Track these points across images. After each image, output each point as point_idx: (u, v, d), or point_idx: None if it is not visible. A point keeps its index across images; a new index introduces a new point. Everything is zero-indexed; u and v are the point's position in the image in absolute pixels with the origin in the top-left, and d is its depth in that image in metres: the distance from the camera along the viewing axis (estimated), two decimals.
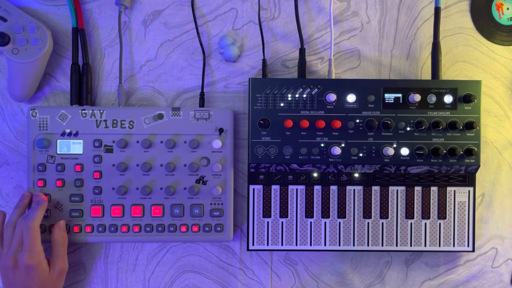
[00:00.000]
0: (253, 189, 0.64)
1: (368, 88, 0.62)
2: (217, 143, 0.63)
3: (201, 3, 0.66)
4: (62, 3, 0.66)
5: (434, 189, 0.64)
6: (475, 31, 0.68)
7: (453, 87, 0.62)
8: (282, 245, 0.64)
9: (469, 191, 0.64)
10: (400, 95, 0.62)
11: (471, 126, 0.61)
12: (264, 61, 0.65)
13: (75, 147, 0.63)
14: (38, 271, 0.57)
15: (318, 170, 0.63)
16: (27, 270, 0.57)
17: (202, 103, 0.65)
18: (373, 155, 0.61)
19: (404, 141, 0.62)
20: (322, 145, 0.61)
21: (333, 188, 0.64)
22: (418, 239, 0.64)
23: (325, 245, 0.64)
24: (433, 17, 0.65)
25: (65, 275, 0.61)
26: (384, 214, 0.64)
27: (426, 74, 0.67)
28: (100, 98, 0.66)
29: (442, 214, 0.64)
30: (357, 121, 0.61)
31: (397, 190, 0.64)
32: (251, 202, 0.64)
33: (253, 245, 0.64)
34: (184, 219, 0.63)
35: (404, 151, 0.61)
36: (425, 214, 0.64)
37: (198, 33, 0.66)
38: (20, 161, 0.66)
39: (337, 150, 0.60)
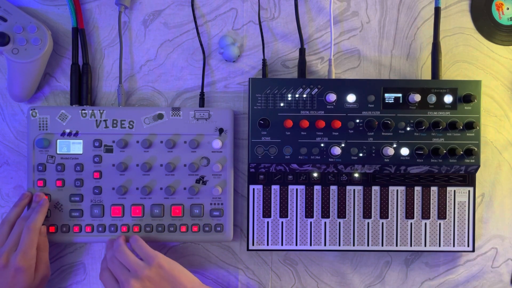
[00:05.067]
0: (253, 189, 0.64)
1: (368, 88, 0.62)
2: (217, 143, 0.63)
3: (201, 3, 0.66)
4: (62, 3, 0.66)
5: (434, 189, 0.64)
6: (475, 31, 0.68)
7: (453, 87, 0.62)
8: (282, 245, 0.64)
9: (469, 191, 0.64)
10: (400, 95, 0.62)
11: (471, 126, 0.61)
12: (264, 61, 0.65)
13: (75, 147, 0.63)
14: (26, 275, 0.56)
15: (318, 170, 0.63)
16: (17, 272, 0.55)
17: (202, 103, 0.65)
18: (373, 155, 0.61)
19: (404, 141, 0.62)
20: (322, 145, 0.61)
21: (333, 188, 0.64)
22: (418, 239, 0.64)
23: (325, 245, 0.64)
24: (433, 17, 0.65)
25: (47, 282, 0.60)
26: (384, 214, 0.64)
27: (426, 74, 0.67)
28: (100, 98, 0.66)
29: (442, 214, 0.64)
30: (357, 121, 0.61)
31: (397, 190, 0.64)
32: (251, 202, 0.64)
33: (253, 245, 0.64)
34: (184, 219, 0.63)
35: (404, 151, 0.61)
36: (425, 214, 0.64)
37: (198, 33, 0.66)
38: (20, 161, 0.66)
39: (337, 150, 0.60)
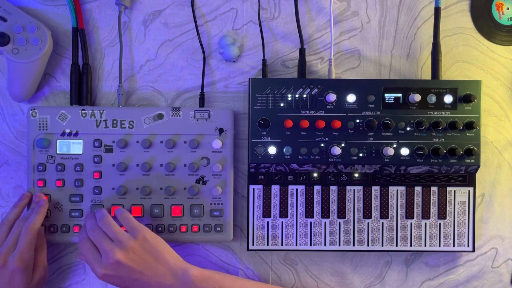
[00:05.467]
0: (253, 189, 0.64)
1: (368, 88, 0.62)
2: (217, 143, 0.63)
3: (201, 3, 0.66)
4: (62, 3, 0.66)
5: (434, 189, 0.64)
6: (475, 31, 0.68)
7: (453, 87, 0.62)
8: (282, 245, 0.64)
9: (469, 191, 0.64)
10: (400, 95, 0.62)
11: (471, 126, 0.61)
12: (264, 61, 0.65)
13: (75, 147, 0.63)
14: (23, 276, 0.56)
15: (318, 170, 0.63)
16: (14, 272, 0.55)
17: (202, 103, 0.65)
18: (373, 155, 0.61)
19: (404, 141, 0.62)
20: (322, 145, 0.61)
21: (333, 188, 0.64)
22: (418, 239, 0.64)
23: (325, 245, 0.64)
24: (433, 17, 0.65)
25: (45, 283, 0.60)
26: (384, 214, 0.64)
27: (426, 74, 0.67)
28: (100, 98, 0.66)
29: (442, 214, 0.64)
30: (357, 121, 0.61)
31: (397, 190, 0.64)
32: (251, 202, 0.64)
33: (253, 245, 0.64)
34: (184, 219, 0.63)
35: (404, 151, 0.61)
36: (425, 214, 0.64)
37: (198, 33, 0.66)
38: (20, 161, 0.66)
39: (337, 150, 0.60)
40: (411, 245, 0.64)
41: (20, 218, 0.59)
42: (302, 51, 0.65)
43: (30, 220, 0.58)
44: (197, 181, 0.63)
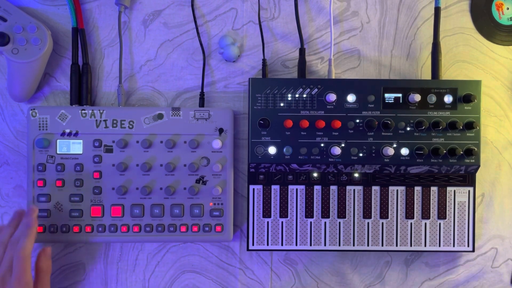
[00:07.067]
0: (253, 189, 0.64)
1: (368, 88, 0.62)
2: (217, 143, 0.63)
3: (201, 3, 0.66)
4: (62, 3, 0.66)
5: (434, 189, 0.64)
6: (475, 31, 0.68)
7: (453, 87, 0.62)
8: (282, 245, 0.64)
9: (469, 191, 0.64)
10: (400, 95, 0.62)
11: (471, 126, 0.61)
12: (264, 61, 0.65)
13: (75, 147, 0.63)
14: None
15: (318, 170, 0.63)
16: None
17: (202, 103, 0.65)
18: (373, 155, 0.61)
19: (404, 141, 0.62)
20: (322, 145, 0.61)
21: (333, 188, 0.64)
22: (418, 239, 0.64)
23: (325, 245, 0.64)
24: (433, 17, 0.65)
25: None
26: (384, 214, 0.64)
27: (426, 74, 0.67)
28: (100, 98, 0.66)
29: (442, 214, 0.64)
30: (357, 121, 0.61)
31: (397, 190, 0.64)
32: (251, 202, 0.64)
33: (253, 245, 0.64)
34: (184, 219, 0.63)
35: (404, 151, 0.61)
36: (425, 214, 0.64)
37: (198, 33, 0.66)
38: (20, 161, 0.66)
39: (337, 150, 0.60)
40: (411, 245, 0.64)
41: (12, 240, 0.57)
42: (302, 51, 0.65)
43: (20, 246, 0.55)
44: (197, 181, 0.63)
